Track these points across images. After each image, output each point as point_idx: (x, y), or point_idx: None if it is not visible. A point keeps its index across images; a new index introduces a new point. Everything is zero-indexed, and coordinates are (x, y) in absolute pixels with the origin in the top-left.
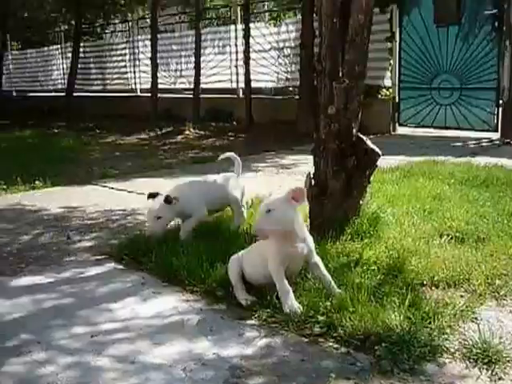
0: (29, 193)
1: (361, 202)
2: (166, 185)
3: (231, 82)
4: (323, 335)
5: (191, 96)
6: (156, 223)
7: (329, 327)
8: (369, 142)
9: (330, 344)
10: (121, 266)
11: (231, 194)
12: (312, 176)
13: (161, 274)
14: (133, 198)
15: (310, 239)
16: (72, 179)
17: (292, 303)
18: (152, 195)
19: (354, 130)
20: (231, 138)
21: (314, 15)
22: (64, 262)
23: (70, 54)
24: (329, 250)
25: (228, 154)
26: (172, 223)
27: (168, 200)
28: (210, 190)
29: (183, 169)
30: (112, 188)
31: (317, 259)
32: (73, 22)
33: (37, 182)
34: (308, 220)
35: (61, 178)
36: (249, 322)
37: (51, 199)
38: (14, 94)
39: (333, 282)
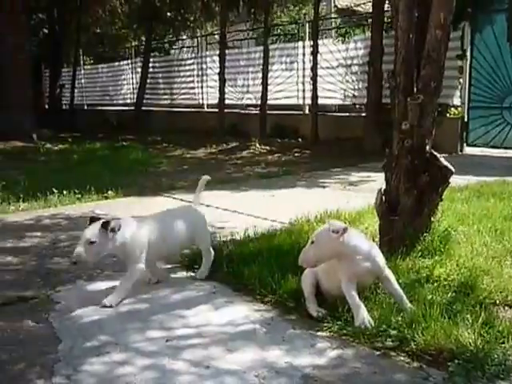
0: (102, 202)
1: (432, 219)
2: (233, 198)
3: (297, 98)
4: (395, 349)
5: (257, 112)
6: (87, 248)
7: (401, 341)
8: (442, 159)
9: (402, 358)
10: (193, 275)
11: (199, 234)
12: (383, 192)
13: (232, 283)
14: (202, 210)
15: (377, 256)
16: (142, 190)
17: (364, 317)
18: (93, 219)
19: (428, 147)
20: (296, 154)
21: (384, 32)
22: None
23: (139, 69)
24: (399, 265)
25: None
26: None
27: (104, 226)
28: (169, 232)
29: (250, 183)
30: (181, 199)
31: (388, 274)
32: (143, 38)
33: (109, 192)
34: (378, 236)
35: (132, 188)
36: (320, 333)
37: (123, 209)
38: (85, 107)
39: (405, 297)
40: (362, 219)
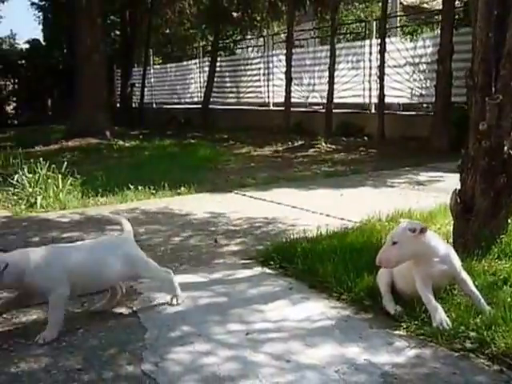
0: (175, 198)
1: (508, 221)
2: (302, 196)
3: (363, 97)
4: (474, 351)
5: (322, 110)
6: None
7: (480, 344)
8: None
9: (482, 360)
10: (268, 271)
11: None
12: (458, 193)
13: (307, 280)
14: (272, 207)
15: (453, 258)
16: (212, 187)
17: (441, 318)
18: None
19: (506, 148)
20: (363, 153)
21: (454, 30)
22: (214, 264)
23: (206, 68)
24: (475, 267)
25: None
26: None
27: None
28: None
29: (317, 182)
30: (251, 197)
31: (464, 276)
32: (210, 38)
33: (182, 189)
34: (451, 237)
35: (202, 185)
36: (397, 332)
37: (196, 205)
38: (154, 105)
39: (482, 299)
40: (434, 219)
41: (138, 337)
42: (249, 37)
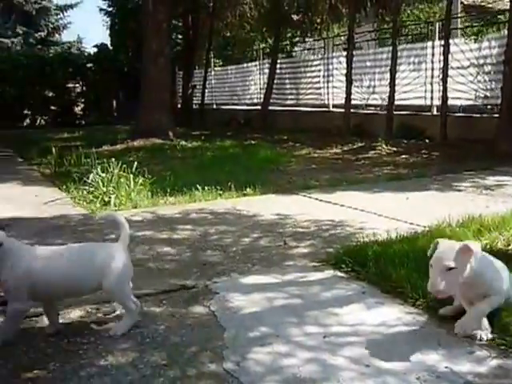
0: (241, 199)
1: None
2: (367, 199)
3: (425, 98)
4: None
5: (382, 112)
6: None
7: None
8: None
9: None
10: (340, 274)
11: (107, 280)
12: None
13: (380, 284)
14: (338, 210)
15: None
16: (276, 188)
17: None
18: None
19: None
20: (425, 156)
21: None
22: (285, 266)
23: (266, 70)
24: None
25: (109, 213)
26: None
27: None
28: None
29: (381, 185)
30: (316, 199)
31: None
32: (270, 41)
33: (248, 190)
34: None
35: (267, 186)
36: (476, 340)
37: (262, 206)
38: (214, 106)
39: None
40: (506, 225)
41: (217, 336)
42: (310, 39)
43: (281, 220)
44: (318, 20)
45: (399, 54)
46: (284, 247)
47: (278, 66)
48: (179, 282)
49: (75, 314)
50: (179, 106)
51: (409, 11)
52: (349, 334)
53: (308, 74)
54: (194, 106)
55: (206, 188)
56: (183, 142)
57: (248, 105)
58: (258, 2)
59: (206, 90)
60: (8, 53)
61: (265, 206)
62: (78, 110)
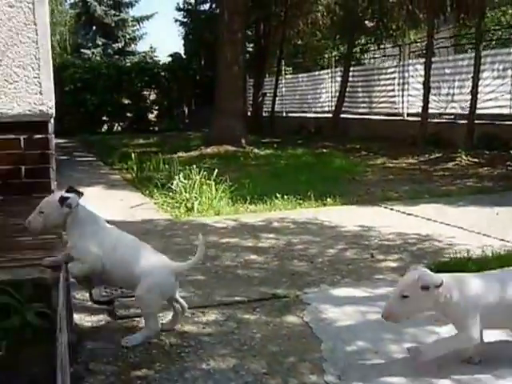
0: (321, 209)
1: None
2: (452, 213)
3: (510, 107)
4: None
5: (461, 121)
6: (35, 216)
7: None
8: None
9: None
10: None
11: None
12: None
13: None
14: (422, 223)
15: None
16: (356, 199)
17: None
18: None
19: None
20: (510, 168)
21: None
22: (375, 279)
23: (338, 78)
24: None
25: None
26: None
27: (61, 200)
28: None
29: (465, 198)
30: (399, 211)
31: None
32: (342, 48)
33: (328, 200)
34: None
35: (345, 196)
36: None
37: (344, 217)
38: (284, 114)
39: None
40: None
41: (314, 347)
42: (384, 46)
43: (364, 232)
44: (394, 26)
45: (483, 60)
46: (371, 260)
47: (351, 73)
48: (270, 291)
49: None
50: (249, 113)
51: (491, 15)
52: (452, 354)
53: (382, 82)
54: (264, 114)
55: (285, 196)
56: (256, 150)
57: (318, 112)
58: (330, 10)
59: (277, 98)
60: (90, 63)
61: (346, 216)
62: (151, 116)
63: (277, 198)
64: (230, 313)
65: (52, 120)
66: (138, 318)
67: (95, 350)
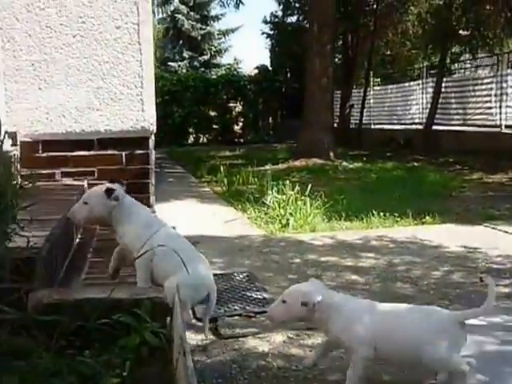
0: (419, 227)
1: None
2: None
3: None
4: None
5: None
6: (79, 207)
7: None
8: None
9: None
10: None
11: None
12: None
13: None
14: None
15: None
16: (455, 217)
17: None
18: (112, 181)
19: None
20: None
21: None
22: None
23: (429, 89)
24: None
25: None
26: None
27: (108, 191)
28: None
29: None
30: (506, 232)
31: None
32: (434, 58)
33: (427, 218)
34: None
35: (444, 214)
36: None
37: (444, 236)
38: (372, 126)
39: None
40: None
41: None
42: (479, 56)
43: (469, 253)
44: (490, 35)
45: None
46: (481, 285)
47: (444, 84)
48: None
49: (278, 338)
50: (335, 125)
51: None
52: None
53: (477, 93)
54: (351, 126)
55: (382, 214)
56: (344, 163)
57: (408, 124)
58: (421, 19)
59: (365, 110)
60: (178, 76)
61: (447, 236)
62: (237, 128)
63: (373, 214)
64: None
65: (153, 136)
66: (242, 338)
67: (203, 370)
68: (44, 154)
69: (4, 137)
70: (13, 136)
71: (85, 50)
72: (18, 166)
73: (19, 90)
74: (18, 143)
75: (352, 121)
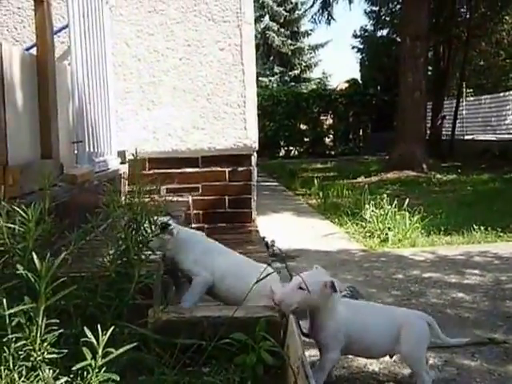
0: None
1: None
2: None
3: None
4: None
5: None
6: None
7: None
8: None
9: None
10: None
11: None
12: None
13: None
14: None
15: None
16: None
17: None
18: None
19: None
20: None
21: None
22: None
23: None
24: None
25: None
26: None
27: (163, 226)
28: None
29: None
30: None
31: None
32: None
33: None
34: None
35: None
36: None
37: None
38: (465, 137)
39: None
40: None
41: None
42: None
43: None
44: None
45: None
46: None
47: None
48: (486, 335)
49: (386, 357)
50: (427, 136)
51: None
52: None
53: None
54: (443, 137)
55: (482, 228)
56: (438, 175)
57: (503, 135)
58: None
59: (457, 121)
60: (270, 91)
61: None
62: (328, 141)
63: (473, 229)
64: (448, 357)
65: (255, 153)
66: (351, 356)
67: None
68: (151, 171)
69: (115, 155)
70: (122, 154)
71: (190, 72)
72: (126, 183)
73: (129, 110)
74: (127, 161)
75: (444, 132)
